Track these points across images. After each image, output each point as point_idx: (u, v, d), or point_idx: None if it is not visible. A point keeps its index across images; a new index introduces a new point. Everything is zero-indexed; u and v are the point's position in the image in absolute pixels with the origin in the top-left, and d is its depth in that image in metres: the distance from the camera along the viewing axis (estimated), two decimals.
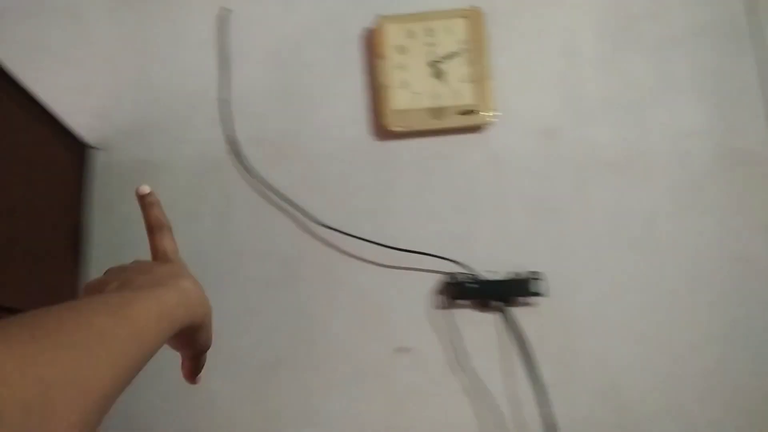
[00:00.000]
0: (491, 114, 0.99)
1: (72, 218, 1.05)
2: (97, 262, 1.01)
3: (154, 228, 0.45)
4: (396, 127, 1.00)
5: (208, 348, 0.43)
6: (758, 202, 0.93)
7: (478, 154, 1.00)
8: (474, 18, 1.03)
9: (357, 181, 1.01)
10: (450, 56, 1.03)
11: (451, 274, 0.93)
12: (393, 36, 1.04)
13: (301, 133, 1.03)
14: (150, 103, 1.07)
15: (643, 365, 0.90)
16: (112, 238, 1.02)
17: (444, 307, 0.93)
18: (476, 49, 1.02)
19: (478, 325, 0.92)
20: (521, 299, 0.91)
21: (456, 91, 1.02)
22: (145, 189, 0.46)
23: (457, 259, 0.93)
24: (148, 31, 1.09)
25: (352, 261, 0.97)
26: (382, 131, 1.01)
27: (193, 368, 0.44)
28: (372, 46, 1.03)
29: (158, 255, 0.45)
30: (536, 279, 0.90)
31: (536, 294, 0.90)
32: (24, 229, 0.87)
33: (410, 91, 1.03)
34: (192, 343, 0.41)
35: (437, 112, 1.01)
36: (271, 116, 1.04)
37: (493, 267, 0.93)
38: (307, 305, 0.97)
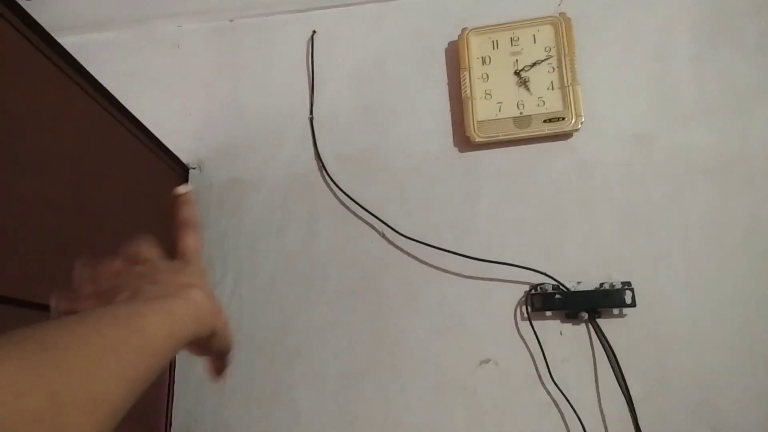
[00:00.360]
0: (578, 121, 1.23)
1: (170, 235, 1.45)
2: None
3: (181, 224, 0.54)
4: (479, 138, 1.28)
5: (227, 352, 0.51)
6: None
7: (565, 161, 1.24)
8: (561, 24, 1.29)
9: (439, 193, 1.29)
10: (535, 64, 1.30)
11: (536, 285, 1.16)
12: (477, 47, 1.34)
13: (384, 148, 1.34)
14: (242, 125, 1.45)
15: (739, 380, 1.06)
16: (207, 253, 1.39)
17: (529, 319, 1.17)
18: (563, 55, 1.28)
19: (564, 337, 1.14)
20: (610, 310, 1.12)
21: (541, 98, 1.28)
22: (183, 189, 0.55)
23: (543, 270, 1.17)
24: (241, 57, 1.49)
25: (434, 272, 1.25)
26: (466, 142, 1.29)
27: (216, 369, 0.53)
28: (455, 58, 1.33)
29: (178, 252, 0.53)
30: (625, 289, 1.11)
31: (626, 305, 1.10)
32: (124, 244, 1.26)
33: (494, 101, 1.31)
34: (208, 349, 0.49)
35: (522, 120, 1.28)
36: (356, 133, 1.37)
37: (580, 277, 1.15)
38: (390, 316, 1.25)
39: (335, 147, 1.36)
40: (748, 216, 1.12)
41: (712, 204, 1.14)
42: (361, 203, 1.31)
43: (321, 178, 1.36)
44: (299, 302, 1.30)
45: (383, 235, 1.30)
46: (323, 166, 1.35)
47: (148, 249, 0.52)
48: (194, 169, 1.44)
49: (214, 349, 0.49)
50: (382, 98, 1.37)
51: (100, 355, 0.32)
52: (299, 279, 1.31)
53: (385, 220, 1.29)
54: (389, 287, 1.26)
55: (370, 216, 1.30)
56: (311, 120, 1.38)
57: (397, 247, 1.28)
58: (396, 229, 1.28)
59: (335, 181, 1.33)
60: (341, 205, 1.33)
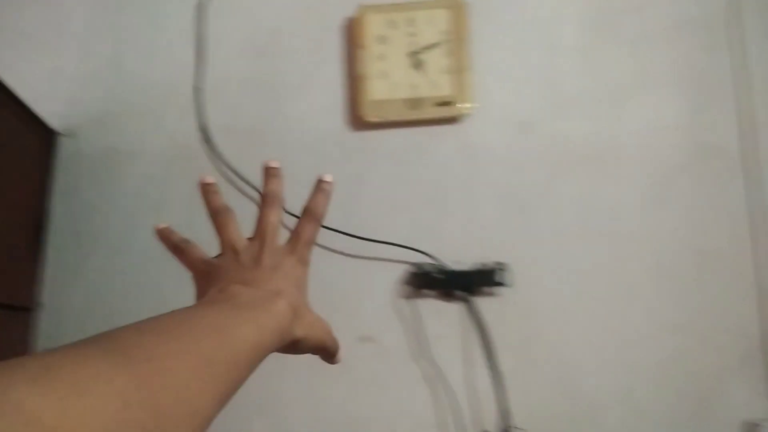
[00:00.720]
0: (468, 106, 1.59)
1: (35, 205, 1.69)
2: (57, 250, 1.63)
3: (213, 214, 0.69)
4: (372, 118, 1.61)
5: (328, 350, 0.72)
6: (723, 198, 1.46)
7: (453, 145, 1.60)
8: (456, 9, 1.65)
9: (329, 172, 1.61)
10: (430, 47, 1.66)
11: (418, 265, 1.51)
12: (374, 26, 1.67)
13: (275, 124, 1.64)
14: (122, 90, 1.71)
15: (599, 355, 1.42)
16: (74, 226, 1.65)
17: (409, 297, 1.51)
18: (457, 40, 1.63)
19: (441, 315, 1.49)
20: (485, 289, 1.48)
21: (434, 82, 1.63)
22: (207, 179, 0.70)
23: (425, 250, 1.52)
24: (124, 15, 1.75)
25: (318, 251, 1.56)
26: (359, 122, 1.62)
27: (325, 359, 0.75)
28: (352, 35, 1.67)
29: (225, 247, 0.69)
30: (501, 270, 1.48)
31: (500, 284, 1.47)
32: None
33: (388, 81, 1.65)
34: (295, 352, 0.65)
35: (414, 103, 1.62)
36: (246, 106, 1.66)
37: (461, 258, 1.51)
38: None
39: (223, 119, 1.65)
40: (613, 203, 1.50)
41: (583, 191, 1.52)
42: (247, 180, 1.62)
43: (205, 152, 1.65)
44: (178, 282, 1.58)
45: None
46: (209, 138, 1.65)
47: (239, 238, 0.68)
48: (65, 136, 1.69)
49: (303, 352, 0.65)
50: (275, 71, 1.68)
51: (197, 367, 0.41)
52: None
53: None
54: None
55: (257, 192, 1.61)
56: (198, 89, 1.68)
57: (284, 225, 1.60)
58: (283, 207, 1.59)
59: (221, 155, 1.63)
60: (226, 181, 1.63)
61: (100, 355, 0.36)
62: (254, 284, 0.67)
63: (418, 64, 1.63)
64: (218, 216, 0.79)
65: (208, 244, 1.62)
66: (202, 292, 0.70)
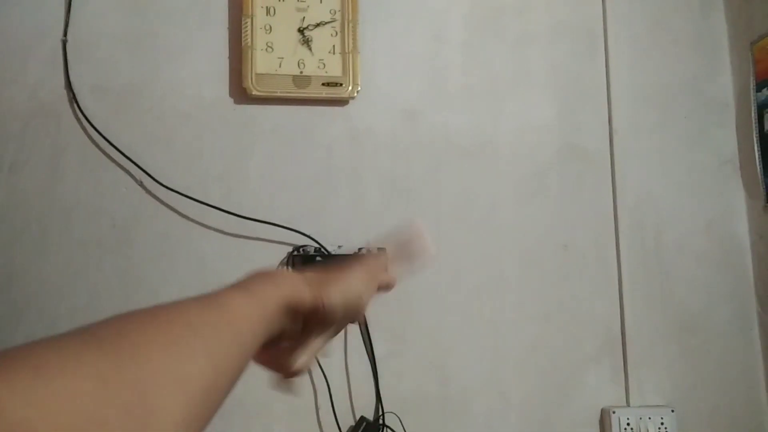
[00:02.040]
0: (355, 89, 1.53)
1: None
2: None
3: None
4: (257, 92, 1.50)
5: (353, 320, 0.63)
6: (586, 196, 1.52)
7: (339, 127, 1.52)
8: None
9: (209, 144, 1.48)
10: (319, 25, 1.57)
11: (299, 247, 1.43)
12: None
13: (150, 86, 1.48)
14: None
15: (469, 342, 1.43)
16: None
17: None
18: (347, 21, 1.56)
19: None
20: None
21: (322, 61, 1.55)
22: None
23: (307, 232, 1.45)
24: None
25: (196, 227, 1.44)
26: (243, 94, 1.49)
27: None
28: (239, 2, 1.53)
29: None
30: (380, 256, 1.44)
31: None
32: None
33: (275, 55, 1.54)
34: (323, 327, 0.58)
35: (302, 80, 1.53)
36: (118, 64, 1.48)
37: (343, 241, 1.45)
38: (142, 272, 1.41)
39: (92, 77, 1.46)
40: (490, 196, 1.51)
41: (463, 182, 1.52)
42: (117, 145, 1.44)
43: (71, 111, 1.45)
44: (32, 249, 1.40)
45: (140, 183, 1.45)
46: (74, 97, 1.45)
47: None
48: None
49: (331, 324, 0.58)
50: (153, 30, 1.50)
51: (182, 335, 0.38)
52: (34, 223, 1.40)
53: (143, 167, 1.44)
54: (144, 240, 1.43)
55: (127, 160, 1.44)
56: (65, 43, 1.46)
57: (155, 197, 1.45)
58: (156, 177, 1.44)
59: (88, 116, 1.45)
60: (93, 145, 1.45)
61: (65, 339, 0.32)
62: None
63: (306, 41, 1.54)
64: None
65: (67, 212, 1.45)
66: None
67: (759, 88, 1.58)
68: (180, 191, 1.43)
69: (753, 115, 1.59)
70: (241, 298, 0.48)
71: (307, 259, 1.41)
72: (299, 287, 0.55)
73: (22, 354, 0.30)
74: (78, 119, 1.44)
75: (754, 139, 1.58)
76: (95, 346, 0.33)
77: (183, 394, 0.35)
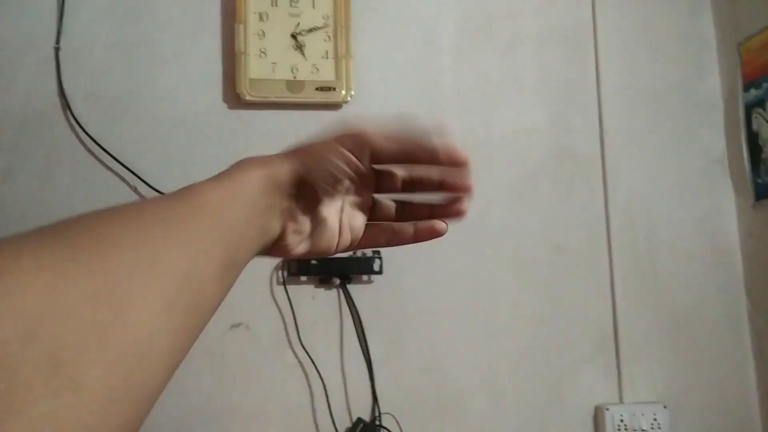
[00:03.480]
0: (348, 93, 1.50)
1: None
2: None
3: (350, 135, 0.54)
4: (251, 97, 1.47)
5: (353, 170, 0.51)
6: (578, 197, 1.52)
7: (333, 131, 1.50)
8: None
9: (204, 150, 1.45)
10: (312, 30, 1.54)
11: None
12: (255, 1, 1.52)
13: (145, 93, 1.45)
14: None
15: (464, 343, 1.42)
16: None
17: (284, 283, 1.41)
18: (339, 26, 1.53)
19: (316, 301, 1.40)
20: (360, 277, 1.42)
21: (315, 65, 1.52)
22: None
23: None
24: None
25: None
26: (236, 100, 1.47)
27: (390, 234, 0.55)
28: (232, 8, 1.50)
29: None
30: (375, 258, 1.41)
31: (374, 272, 1.40)
32: None
33: (269, 60, 1.51)
34: (319, 183, 0.50)
35: (295, 85, 1.50)
36: (112, 72, 1.45)
37: None
38: None
39: (85, 85, 1.43)
40: (485, 199, 1.49)
41: None
42: (111, 152, 1.41)
43: (64, 119, 1.42)
44: None
45: (135, 190, 1.42)
46: (68, 104, 1.42)
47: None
48: None
49: (322, 182, 0.50)
50: (146, 38, 1.47)
51: (149, 223, 0.36)
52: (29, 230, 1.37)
53: (138, 173, 1.41)
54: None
55: (121, 167, 1.41)
56: (57, 50, 1.43)
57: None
58: (151, 184, 1.41)
59: (81, 124, 1.41)
60: (87, 152, 1.42)
61: (22, 237, 0.31)
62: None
63: (299, 47, 1.51)
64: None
65: (58, 217, 1.39)
66: None
67: (746, 88, 1.56)
68: None
69: (741, 115, 1.58)
70: (214, 185, 0.45)
71: (302, 262, 1.38)
72: (273, 162, 0.50)
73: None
74: (71, 126, 1.41)
75: (743, 139, 1.57)
76: (56, 242, 0.31)
77: (156, 281, 0.34)
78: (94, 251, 0.32)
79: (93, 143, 1.41)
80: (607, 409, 1.45)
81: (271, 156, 0.51)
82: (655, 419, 1.46)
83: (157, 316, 0.33)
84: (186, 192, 0.43)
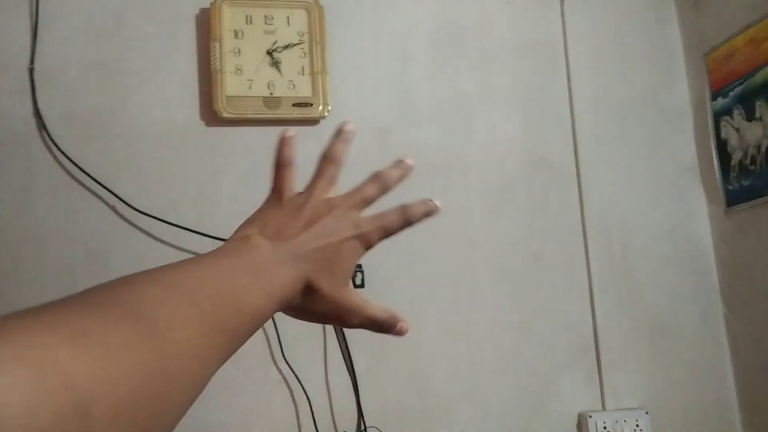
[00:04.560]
0: (325, 108, 1.50)
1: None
2: None
3: (279, 163, 0.63)
4: (227, 114, 1.46)
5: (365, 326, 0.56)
6: (555, 206, 1.53)
7: (310, 147, 1.48)
8: (315, 11, 1.55)
9: (182, 167, 1.44)
10: (288, 47, 1.54)
11: None
12: (230, 19, 1.52)
13: (120, 112, 1.44)
14: None
15: (447, 353, 1.42)
16: None
17: None
18: (315, 42, 1.53)
19: None
20: None
21: (292, 82, 1.52)
22: (290, 132, 0.63)
23: None
24: None
25: (171, 251, 1.40)
26: (213, 117, 1.46)
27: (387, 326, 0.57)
28: (207, 26, 1.50)
29: (273, 191, 0.61)
30: (357, 271, 1.41)
31: (356, 285, 1.40)
32: None
33: (245, 77, 1.51)
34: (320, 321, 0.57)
35: (272, 101, 1.50)
36: (87, 91, 1.44)
37: None
38: None
39: (60, 104, 1.42)
40: (462, 208, 1.50)
41: (434, 196, 1.50)
42: (88, 171, 1.39)
43: (40, 139, 1.40)
44: (5, 279, 1.34)
45: (113, 209, 1.40)
46: (43, 124, 1.40)
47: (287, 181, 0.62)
48: None
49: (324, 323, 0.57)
50: (121, 56, 1.47)
51: (209, 336, 0.40)
52: (6, 253, 1.34)
53: (116, 192, 1.39)
54: (119, 265, 1.37)
55: (99, 186, 1.40)
56: (31, 70, 1.42)
57: (129, 222, 1.40)
58: (129, 202, 1.39)
59: (57, 143, 1.40)
60: (64, 172, 1.40)
61: (128, 324, 0.35)
62: (281, 236, 0.55)
63: (275, 63, 1.51)
64: (284, 166, 0.65)
65: (38, 240, 1.39)
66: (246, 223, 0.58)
67: (714, 97, 1.60)
68: (153, 215, 1.39)
69: (710, 123, 1.61)
70: (262, 305, 0.48)
71: None
72: (280, 276, 0.51)
73: (96, 329, 0.32)
74: (47, 146, 1.40)
75: (712, 146, 1.60)
76: (147, 338, 0.35)
77: (194, 389, 0.39)
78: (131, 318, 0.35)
79: (69, 163, 1.40)
80: (590, 416, 1.45)
81: (269, 258, 0.52)
82: (637, 425, 1.47)
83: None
84: (237, 304, 0.46)
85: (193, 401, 0.39)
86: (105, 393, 0.29)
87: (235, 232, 0.56)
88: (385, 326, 0.58)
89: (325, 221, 0.58)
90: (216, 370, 0.42)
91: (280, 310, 0.53)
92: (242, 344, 0.46)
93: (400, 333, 0.58)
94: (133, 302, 0.37)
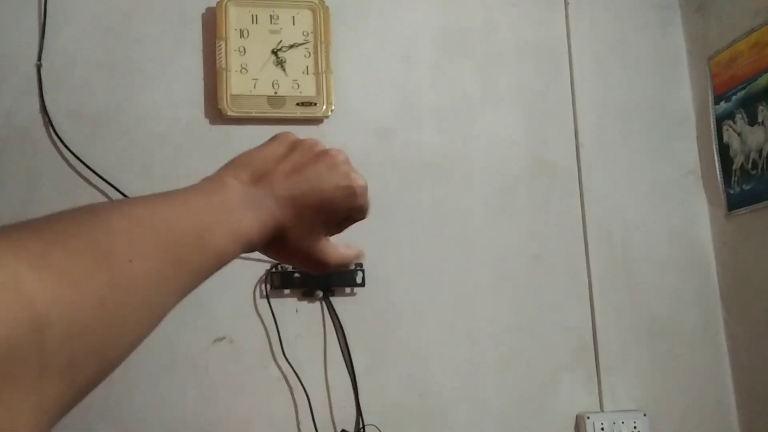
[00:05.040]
0: (329, 108, 1.51)
1: None
2: None
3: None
4: (232, 112, 1.47)
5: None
6: (555, 208, 1.54)
7: None
8: (320, 11, 1.56)
9: (187, 165, 1.45)
10: (293, 46, 1.55)
11: (277, 264, 1.40)
12: (235, 18, 1.53)
13: (126, 110, 1.45)
14: None
15: (446, 354, 1.43)
16: None
17: (267, 297, 1.40)
18: (319, 42, 1.54)
19: (299, 314, 1.39)
20: (342, 289, 1.41)
21: (296, 81, 1.53)
22: None
23: None
24: None
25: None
26: (218, 115, 1.47)
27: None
28: (212, 26, 1.51)
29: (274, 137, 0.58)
30: (357, 270, 1.41)
31: (356, 284, 1.40)
32: None
33: (250, 76, 1.52)
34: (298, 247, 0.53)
35: (276, 100, 1.51)
36: (94, 89, 1.45)
37: None
38: None
39: (67, 102, 1.43)
40: (464, 209, 1.50)
41: (437, 197, 1.51)
42: (94, 168, 1.41)
43: (46, 136, 1.41)
44: None
45: None
46: (50, 121, 1.41)
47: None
48: None
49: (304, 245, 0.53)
50: (127, 55, 1.48)
51: (168, 271, 0.41)
52: None
53: (121, 189, 1.41)
54: None
55: (105, 183, 1.41)
56: (39, 67, 1.43)
57: None
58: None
59: (64, 140, 1.41)
60: (69, 168, 1.41)
61: (88, 253, 0.36)
62: (266, 177, 0.53)
63: (280, 63, 1.52)
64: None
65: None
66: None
67: (717, 101, 1.59)
68: None
69: (712, 127, 1.61)
70: (227, 246, 0.47)
71: (285, 275, 1.38)
72: (248, 219, 0.50)
73: (56, 252, 0.33)
74: (54, 143, 1.41)
75: (714, 150, 1.60)
76: (106, 266, 0.36)
77: (149, 317, 0.39)
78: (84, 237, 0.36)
79: (75, 159, 1.41)
80: (588, 418, 1.45)
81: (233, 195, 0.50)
82: (635, 427, 1.47)
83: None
84: (201, 242, 0.46)
85: (148, 333, 0.39)
86: (60, 316, 0.31)
87: (219, 169, 0.55)
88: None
89: (315, 167, 0.55)
90: (174, 305, 0.42)
91: (246, 252, 0.51)
92: (203, 281, 0.45)
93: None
94: (96, 232, 0.38)
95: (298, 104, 1.50)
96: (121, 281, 0.37)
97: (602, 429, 1.45)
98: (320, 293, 1.40)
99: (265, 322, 1.39)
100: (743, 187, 1.52)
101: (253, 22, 1.53)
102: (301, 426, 1.36)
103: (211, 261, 0.46)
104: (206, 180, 0.53)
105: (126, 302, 0.37)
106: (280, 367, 1.38)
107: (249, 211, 0.50)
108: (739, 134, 1.54)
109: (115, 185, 1.41)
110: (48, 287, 0.31)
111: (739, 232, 1.54)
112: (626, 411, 1.49)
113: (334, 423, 1.38)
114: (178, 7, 1.52)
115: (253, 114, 1.48)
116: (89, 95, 1.45)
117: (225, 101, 1.47)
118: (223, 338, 1.37)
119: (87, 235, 0.37)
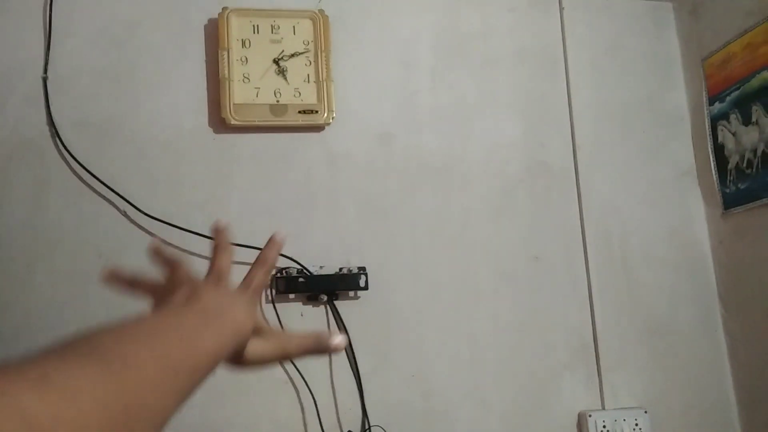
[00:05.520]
0: (330, 115, 1.53)
1: None
2: None
3: (216, 247, 0.70)
4: (235, 121, 1.49)
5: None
6: (554, 209, 1.56)
7: (316, 152, 1.52)
8: (319, 21, 1.58)
9: (191, 173, 1.47)
10: (294, 55, 1.57)
11: (282, 269, 1.42)
12: (237, 28, 1.55)
13: (131, 119, 1.47)
14: None
15: (449, 354, 1.45)
16: None
17: (273, 302, 1.42)
18: (320, 51, 1.56)
19: (304, 318, 1.41)
20: (346, 293, 1.44)
21: (298, 89, 1.55)
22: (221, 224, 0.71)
23: (289, 254, 1.43)
24: None
25: (180, 255, 1.43)
26: (221, 124, 1.49)
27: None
28: (215, 36, 1.53)
29: (211, 271, 0.68)
30: (361, 274, 1.43)
31: (360, 288, 1.43)
32: None
33: (252, 85, 1.54)
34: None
35: (278, 108, 1.53)
36: (99, 99, 1.47)
37: (322, 262, 1.44)
38: (128, 300, 1.39)
39: (73, 112, 1.45)
40: (464, 212, 1.53)
41: (436, 201, 1.53)
42: (100, 177, 1.43)
43: (53, 146, 1.44)
44: (18, 283, 1.37)
45: (124, 213, 1.44)
46: (56, 132, 1.44)
47: (184, 270, 0.67)
48: None
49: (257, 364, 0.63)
50: (132, 65, 1.50)
51: (166, 376, 0.43)
52: (20, 257, 1.38)
53: (127, 197, 1.43)
54: (130, 268, 1.40)
55: (110, 192, 1.43)
56: (45, 79, 1.45)
57: (140, 226, 1.44)
58: (139, 207, 1.43)
59: (70, 150, 1.43)
60: (76, 177, 1.43)
61: (89, 365, 0.38)
62: (211, 297, 0.61)
63: (281, 71, 1.54)
64: (220, 249, 0.72)
65: (52, 245, 1.43)
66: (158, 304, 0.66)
67: (711, 102, 1.62)
68: (163, 220, 1.42)
69: (707, 127, 1.63)
70: (215, 345, 0.52)
71: (290, 280, 1.40)
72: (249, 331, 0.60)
73: (56, 372, 0.35)
74: (60, 153, 1.43)
75: (710, 150, 1.62)
76: (107, 376, 0.38)
77: (156, 424, 0.41)
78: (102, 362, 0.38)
79: (82, 169, 1.43)
80: (590, 416, 1.47)
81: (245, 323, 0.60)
82: (636, 424, 1.49)
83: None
84: (193, 347, 0.50)
85: None
86: (67, 429, 0.32)
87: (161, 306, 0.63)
88: (320, 347, 0.64)
89: (229, 304, 0.62)
90: (177, 407, 0.45)
91: (235, 347, 0.58)
92: (202, 381, 0.49)
93: (337, 349, 0.64)
94: (90, 348, 0.40)
95: (300, 112, 1.53)
96: (122, 388, 0.38)
97: (604, 426, 1.47)
98: (324, 297, 1.42)
99: (271, 326, 1.41)
100: (739, 186, 1.54)
101: (254, 32, 1.55)
102: (307, 428, 1.38)
103: (205, 362, 0.51)
104: (174, 304, 0.60)
105: (129, 408, 0.38)
106: (286, 371, 1.39)
107: (228, 311, 0.59)
108: (733, 134, 1.56)
109: (120, 193, 1.43)
110: (50, 404, 0.32)
111: (735, 230, 1.56)
112: (627, 408, 1.51)
113: (340, 424, 1.39)
114: (181, 18, 1.54)
115: (256, 122, 1.51)
116: (94, 105, 1.47)
117: (228, 110, 1.49)
118: None
119: (81, 352, 0.39)
